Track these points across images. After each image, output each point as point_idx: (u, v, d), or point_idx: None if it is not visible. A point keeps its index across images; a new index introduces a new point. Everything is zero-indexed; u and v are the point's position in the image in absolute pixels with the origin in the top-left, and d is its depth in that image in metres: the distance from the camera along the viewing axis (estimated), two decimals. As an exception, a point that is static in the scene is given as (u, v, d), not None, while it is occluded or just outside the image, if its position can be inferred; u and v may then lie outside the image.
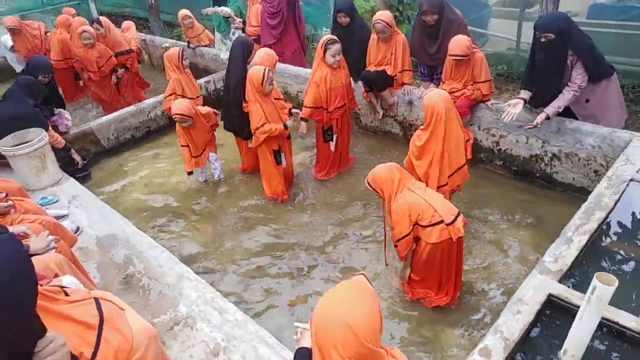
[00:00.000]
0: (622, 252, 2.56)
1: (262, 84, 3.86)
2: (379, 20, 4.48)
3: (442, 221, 2.75)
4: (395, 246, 2.96)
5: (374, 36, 4.76)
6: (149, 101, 6.06)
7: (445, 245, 2.82)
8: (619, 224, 2.72)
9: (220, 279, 3.67)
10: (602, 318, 2.03)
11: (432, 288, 3.07)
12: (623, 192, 2.90)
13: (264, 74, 3.85)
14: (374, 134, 5.51)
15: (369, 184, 2.95)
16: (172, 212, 4.55)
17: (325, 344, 1.25)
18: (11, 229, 2.65)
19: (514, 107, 3.93)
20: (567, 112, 3.93)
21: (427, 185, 3.11)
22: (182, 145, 4.55)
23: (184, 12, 7.15)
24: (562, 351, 1.99)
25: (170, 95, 4.96)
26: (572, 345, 1.93)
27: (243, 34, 6.77)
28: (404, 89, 4.88)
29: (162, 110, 5.74)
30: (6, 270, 1.24)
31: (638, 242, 2.63)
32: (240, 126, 4.40)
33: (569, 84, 3.68)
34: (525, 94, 3.99)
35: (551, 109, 3.77)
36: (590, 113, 3.89)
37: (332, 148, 4.58)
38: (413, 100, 4.87)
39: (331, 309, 1.29)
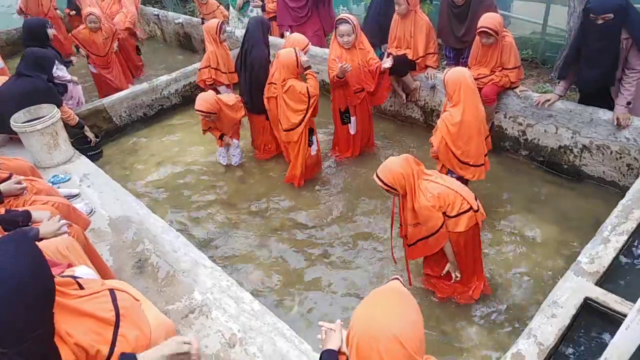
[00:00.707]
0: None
1: (297, 66, 3.80)
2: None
3: (470, 208, 2.64)
4: (412, 244, 2.80)
5: (395, 15, 4.57)
6: (163, 78, 5.91)
7: (471, 231, 2.70)
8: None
9: (234, 267, 3.59)
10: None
11: (460, 282, 2.94)
12: (663, 190, 2.75)
13: (296, 56, 3.78)
14: (393, 119, 5.34)
15: (384, 182, 2.61)
16: (186, 193, 4.45)
17: (369, 355, 1.14)
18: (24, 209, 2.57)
19: (548, 100, 3.78)
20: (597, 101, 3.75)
21: (470, 164, 3.13)
22: (203, 130, 4.48)
23: (198, -13, 6.95)
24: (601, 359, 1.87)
25: (205, 67, 4.92)
26: (614, 355, 1.81)
27: (262, 12, 6.57)
28: (427, 73, 4.69)
29: (195, 82, 5.51)
30: (24, 273, 1.17)
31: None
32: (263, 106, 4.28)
33: (626, 70, 3.46)
34: (561, 87, 3.80)
35: (623, 101, 3.54)
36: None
37: (352, 131, 4.44)
38: (436, 84, 4.68)
39: (375, 320, 1.18)
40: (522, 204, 3.91)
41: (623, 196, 2.90)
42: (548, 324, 2.04)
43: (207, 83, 4.96)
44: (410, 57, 4.57)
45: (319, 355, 1.66)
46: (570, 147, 3.97)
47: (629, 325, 1.70)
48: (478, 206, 2.69)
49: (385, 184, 2.61)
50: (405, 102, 5.03)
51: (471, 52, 4.14)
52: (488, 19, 3.79)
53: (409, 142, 4.94)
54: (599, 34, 3.43)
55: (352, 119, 4.38)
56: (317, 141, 4.26)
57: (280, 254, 3.66)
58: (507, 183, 4.17)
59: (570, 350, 2.01)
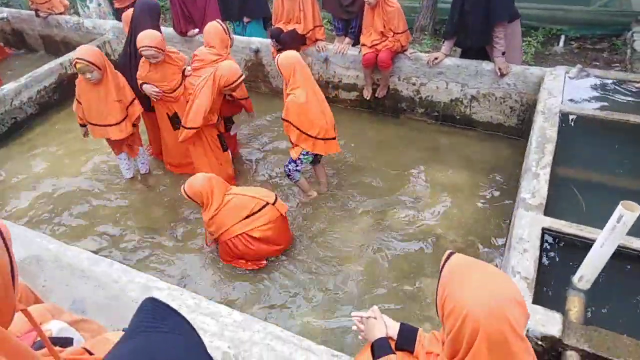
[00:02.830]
0: (577, 177, 2.85)
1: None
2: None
3: (267, 203, 3.11)
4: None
5: (278, -7, 4.46)
6: (9, 86, 4.92)
7: (279, 222, 3.19)
8: (565, 152, 3.01)
9: (184, 281, 3.27)
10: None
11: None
12: (559, 124, 3.20)
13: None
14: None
15: (187, 194, 3.08)
16: (86, 213, 3.86)
17: (497, 328, 1.12)
18: None
19: (436, 59, 4.10)
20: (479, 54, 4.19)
21: (325, 134, 3.37)
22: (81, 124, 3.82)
23: (25, -28, 5.87)
24: (576, 278, 2.16)
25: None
26: (588, 271, 2.10)
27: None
28: (318, 46, 4.69)
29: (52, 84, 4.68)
30: None
31: (585, 166, 2.94)
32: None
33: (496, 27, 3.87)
34: (446, 46, 4.14)
35: (498, 52, 3.97)
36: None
37: (232, 132, 4.18)
38: (329, 56, 4.72)
39: (488, 291, 1.16)
40: (430, 157, 4.24)
41: (508, 134, 3.33)
42: (524, 259, 2.27)
43: None
44: (300, 31, 4.51)
45: (370, 348, 1.61)
46: (460, 99, 4.38)
47: (603, 243, 1.97)
48: (275, 199, 3.19)
49: (188, 196, 3.10)
50: None
51: (364, 17, 4.27)
52: None
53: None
54: None
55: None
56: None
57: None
58: (411, 141, 4.46)
59: (543, 277, 2.27)
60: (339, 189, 3.97)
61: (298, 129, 3.33)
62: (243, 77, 3.52)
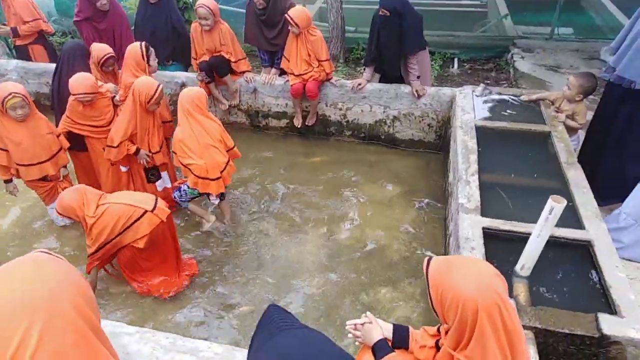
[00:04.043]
0: (498, 181, 3.27)
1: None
2: (202, 5, 4.27)
3: (146, 211, 3.00)
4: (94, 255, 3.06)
5: (195, 25, 4.53)
6: None
7: (160, 228, 3.08)
8: (485, 160, 3.43)
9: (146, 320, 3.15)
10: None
11: (168, 271, 3.33)
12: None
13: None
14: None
15: (61, 213, 2.98)
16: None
17: (492, 300, 1.32)
18: None
19: (359, 85, 4.47)
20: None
21: (204, 174, 3.41)
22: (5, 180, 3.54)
23: None
24: (519, 267, 2.50)
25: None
26: (528, 260, 2.44)
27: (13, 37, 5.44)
28: (246, 77, 4.82)
29: None
30: None
31: (502, 171, 3.38)
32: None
33: (408, 55, 4.31)
34: (368, 73, 4.51)
35: (414, 76, 4.40)
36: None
37: (160, 188, 3.99)
38: (257, 87, 4.87)
39: (475, 275, 1.38)
40: (362, 175, 4.53)
41: (428, 149, 3.75)
42: (474, 255, 2.57)
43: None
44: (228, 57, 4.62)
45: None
46: (384, 120, 4.76)
47: (539, 234, 2.33)
48: (155, 205, 3.04)
49: (61, 214, 2.99)
50: (227, 108, 5.04)
51: (287, 45, 4.50)
52: (294, 11, 4.25)
53: (241, 146, 5.00)
54: (383, 26, 4.20)
55: (164, 173, 3.99)
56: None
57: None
58: (343, 162, 4.73)
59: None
60: (282, 212, 4.09)
61: (180, 162, 3.46)
62: (161, 87, 3.47)
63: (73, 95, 3.42)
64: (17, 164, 3.41)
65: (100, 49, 3.83)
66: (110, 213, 2.93)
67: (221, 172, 3.49)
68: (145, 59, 3.74)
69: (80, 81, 3.40)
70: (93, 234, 2.95)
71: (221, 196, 3.67)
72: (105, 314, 3.25)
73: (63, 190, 3.57)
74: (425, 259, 1.55)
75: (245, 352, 2.39)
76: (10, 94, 3.13)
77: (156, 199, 3.10)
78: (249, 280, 3.49)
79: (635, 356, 2.26)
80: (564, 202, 2.19)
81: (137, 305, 3.35)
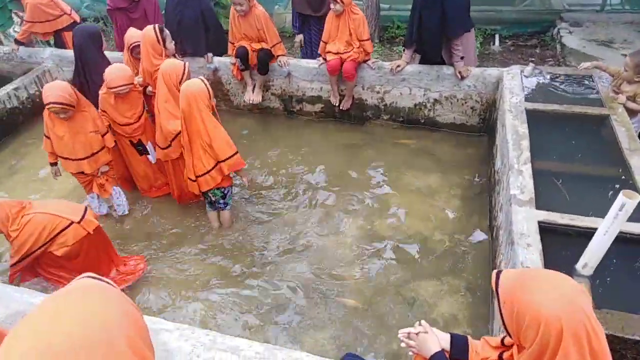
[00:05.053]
0: (553, 169, 3.04)
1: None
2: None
3: (72, 222, 2.86)
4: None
5: (233, 10, 4.40)
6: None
7: (86, 240, 2.95)
8: (537, 147, 3.20)
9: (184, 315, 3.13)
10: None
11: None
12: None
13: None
14: (250, 112, 5.19)
15: None
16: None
17: (579, 320, 1.18)
18: None
19: (398, 66, 4.24)
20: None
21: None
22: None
23: None
24: (580, 265, 2.30)
25: None
26: (592, 258, 2.25)
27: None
28: (279, 61, 4.68)
29: None
30: None
31: (557, 158, 3.15)
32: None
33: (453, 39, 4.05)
34: (407, 54, 4.28)
35: (457, 57, 4.15)
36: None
37: (153, 159, 3.90)
38: (291, 70, 4.72)
39: (557, 291, 1.24)
40: (401, 162, 4.35)
41: (471, 133, 3.48)
42: (530, 253, 2.39)
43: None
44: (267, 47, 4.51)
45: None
46: (424, 103, 4.54)
47: (606, 231, 2.13)
48: (83, 217, 2.91)
49: None
50: (252, 102, 4.91)
51: (325, 28, 4.32)
52: None
53: (276, 132, 4.91)
54: (425, 5, 3.94)
55: (149, 145, 3.84)
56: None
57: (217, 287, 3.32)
58: (380, 148, 4.55)
59: (551, 267, 2.40)
60: (319, 200, 3.97)
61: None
62: (188, 65, 3.37)
63: (111, 88, 3.36)
64: (58, 155, 3.42)
65: (130, 35, 3.78)
66: (35, 223, 2.78)
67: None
68: (161, 42, 3.62)
69: (116, 73, 3.34)
70: (16, 244, 2.80)
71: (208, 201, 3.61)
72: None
73: (99, 185, 3.58)
74: (494, 272, 1.40)
75: (286, 351, 2.32)
76: (49, 104, 3.12)
77: (86, 210, 2.97)
78: (284, 269, 3.41)
79: None
80: (638, 198, 1.98)
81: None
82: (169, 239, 3.74)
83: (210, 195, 3.47)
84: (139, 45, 3.74)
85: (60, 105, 3.12)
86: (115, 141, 3.63)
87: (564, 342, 1.17)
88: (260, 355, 2.29)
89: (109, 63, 3.76)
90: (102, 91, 3.49)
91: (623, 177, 2.86)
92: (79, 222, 2.89)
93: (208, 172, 3.27)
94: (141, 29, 4.11)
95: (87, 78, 3.70)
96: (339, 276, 3.33)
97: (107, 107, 3.52)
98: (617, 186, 2.79)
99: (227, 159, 3.23)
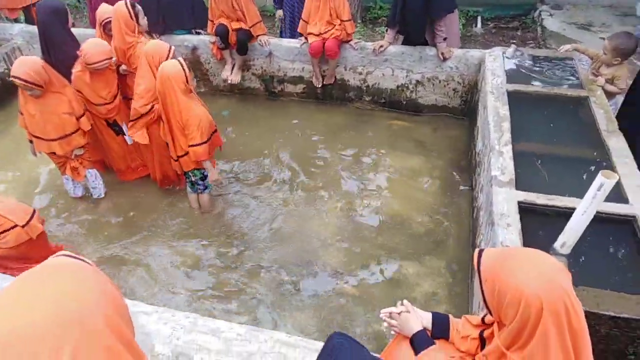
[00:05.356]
0: (533, 150, 3.07)
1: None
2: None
3: (15, 225, 2.74)
4: None
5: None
6: None
7: (24, 246, 2.81)
8: (519, 128, 3.22)
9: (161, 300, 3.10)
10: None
11: None
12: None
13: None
14: (230, 93, 5.10)
15: None
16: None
17: (559, 298, 1.18)
18: None
19: (381, 47, 4.19)
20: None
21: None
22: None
23: None
24: (559, 244, 2.34)
25: None
26: (570, 237, 2.28)
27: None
28: (260, 40, 4.58)
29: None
30: None
31: (537, 139, 3.17)
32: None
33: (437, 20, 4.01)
34: (390, 34, 4.22)
35: (440, 38, 4.13)
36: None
37: (130, 141, 3.77)
38: (272, 50, 4.63)
39: (537, 269, 1.24)
40: (383, 143, 4.34)
41: (453, 115, 3.50)
42: (510, 233, 2.42)
43: None
44: (245, 27, 4.40)
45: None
46: (406, 85, 4.52)
47: (585, 211, 2.16)
48: (28, 222, 2.78)
49: None
50: (230, 81, 4.82)
51: (305, 7, 4.25)
52: None
53: (257, 113, 4.83)
54: None
55: (124, 125, 3.75)
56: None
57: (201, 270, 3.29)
58: (362, 130, 4.53)
59: (530, 246, 2.43)
60: (300, 181, 3.95)
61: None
62: (173, 48, 3.27)
63: (90, 64, 3.22)
64: (30, 133, 3.31)
65: (102, 11, 3.64)
66: None
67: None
68: (134, 17, 3.49)
69: (95, 48, 3.21)
70: None
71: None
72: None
73: (72, 168, 3.47)
74: (476, 251, 1.40)
75: (268, 332, 2.31)
76: (13, 77, 2.99)
77: (33, 214, 2.82)
78: (265, 252, 3.39)
79: (683, 339, 2.13)
80: (616, 178, 2.01)
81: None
82: (147, 222, 3.68)
83: (190, 175, 3.41)
84: (111, 21, 3.61)
85: (22, 82, 2.98)
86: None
87: (544, 319, 1.18)
88: (241, 336, 2.28)
89: (75, 41, 3.64)
90: (76, 69, 3.36)
91: (601, 158, 2.91)
92: (22, 226, 2.74)
93: (186, 153, 3.20)
94: (114, 4, 3.97)
95: (51, 56, 3.55)
96: (320, 258, 3.33)
97: (81, 86, 3.39)
98: (595, 167, 2.84)
99: (192, 146, 3.12)
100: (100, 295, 0.86)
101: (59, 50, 3.58)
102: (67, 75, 3.37)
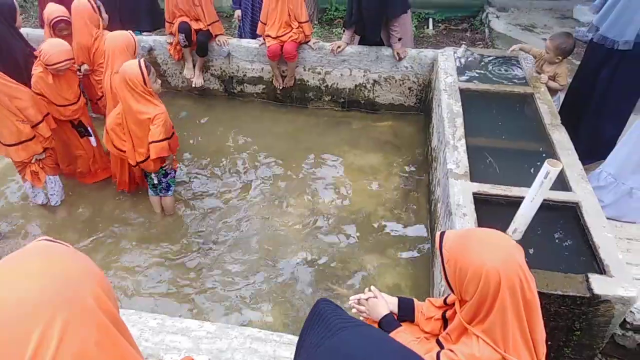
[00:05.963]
0: (483, 144, 3.24)
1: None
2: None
3: None
4: None
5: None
6: None
7: None
8: (471, 123, 3.39)
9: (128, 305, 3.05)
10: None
11: None
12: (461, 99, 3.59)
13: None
14: (189, 94, 5.05)
15: None
16: None
17: (514, 272, 1.30)
18: None
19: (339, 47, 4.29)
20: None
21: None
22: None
23: None
24: (510, 230, 2.50)
25: None
26: (521, 224, 2.44)
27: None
28: (219, 40, 4.57)
29: None
30: None
31: (488, 134, 3.36)
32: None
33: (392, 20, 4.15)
34: (347, 35, 4.33)
35: (395, 39, 4.25)
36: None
37: (94, 143, 3.79)
38: (231, 51, 4.63)
39: (494, 246, 1.35)
40: (343, 142, 4.44)
41: (408, 113, 3.71)
42: (466, 222, 2.56)
43: None
44: (203, 27, 4.38)
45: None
46: (364, 84, 4.64)
47: (533, 198, 2.32)
48: None
49: None
50: (195, 85, 4.78)
51: (262, 8, 4.28)
52: None
53: (216, 114, 4.82)
54: None
55: (89, 128, 3.74)
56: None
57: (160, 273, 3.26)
58: (323, 129, 4.61)
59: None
60: (262, 182, 3.98)
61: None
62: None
63: (52, 65, 3.13)
64: None
65: (51, 11, 3.54)
66: None
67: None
68: (97, 11, 3.53)
69: (57, 48, 3.14)
70: None
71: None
72: None
73: (32, 172, 3.36)
74: (438, 233, 1.49)
75: (238, 328, 2.34)
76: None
77: None
78: (230, 253, 3.40)
79: (622, 313, 2.32)
80: (560, 166, 2.18)
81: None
82: (108, 228, 3.60)
83: (153, 176, 3.38)
84: (61, 20, 3.53)
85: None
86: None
87: (501, 292, 1.29)
88: (212, 334, 2.30)
89: (24, 41, 3.52)
90: (36, 71, 3.24)
91: (546, 150, 3.11)
92: None
93: (147, 158, 3.18)
94: (62, 3, 3.85)
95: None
96: (286, 256, 3.37)
97: (43, 88, 3.28)
98: (541, 159, 3.04)
99: (154, 142, 3.10)
100: (87, 273, 0.86)
101: (5, 51, 3.46)
102: (18, 78, 3.25)
